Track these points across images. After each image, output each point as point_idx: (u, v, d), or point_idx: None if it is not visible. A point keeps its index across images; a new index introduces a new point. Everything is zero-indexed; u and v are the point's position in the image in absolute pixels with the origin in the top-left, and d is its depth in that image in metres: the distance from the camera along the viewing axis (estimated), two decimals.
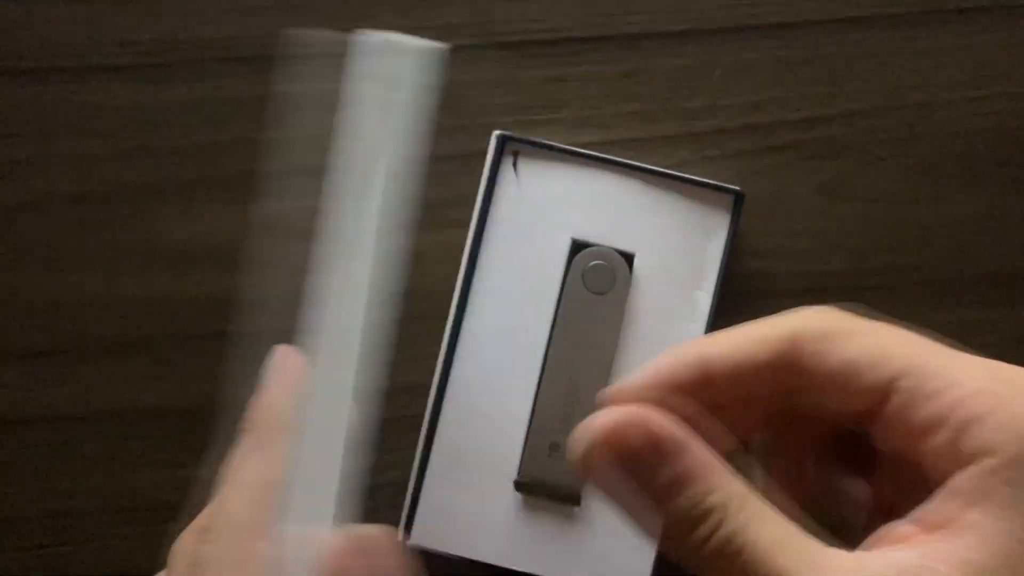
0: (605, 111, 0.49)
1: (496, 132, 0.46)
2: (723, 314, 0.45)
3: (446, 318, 0.48)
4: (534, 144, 0.46)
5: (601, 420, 0.27)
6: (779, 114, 0.49)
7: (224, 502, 0.29)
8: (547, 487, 0.44)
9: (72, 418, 0.48)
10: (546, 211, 0.45)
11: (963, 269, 0.49)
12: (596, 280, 0.44)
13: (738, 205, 0.45)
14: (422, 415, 0.47)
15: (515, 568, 0.44)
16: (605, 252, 0.44)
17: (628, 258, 0.45)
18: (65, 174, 0.48)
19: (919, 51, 0.50)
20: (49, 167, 0.48)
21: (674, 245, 0.45)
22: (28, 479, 0.48)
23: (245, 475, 0.29)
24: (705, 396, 0.28)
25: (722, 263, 0.45)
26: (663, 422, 0.27)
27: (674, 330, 0.45)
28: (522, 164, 0.45)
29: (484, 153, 0.48)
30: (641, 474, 0.26)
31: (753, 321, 0.29)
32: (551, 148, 0.46)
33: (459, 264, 0.48)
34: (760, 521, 0.26)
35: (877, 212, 0.49)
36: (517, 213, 0.45)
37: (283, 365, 0.33)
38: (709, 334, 0.29)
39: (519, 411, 0.45)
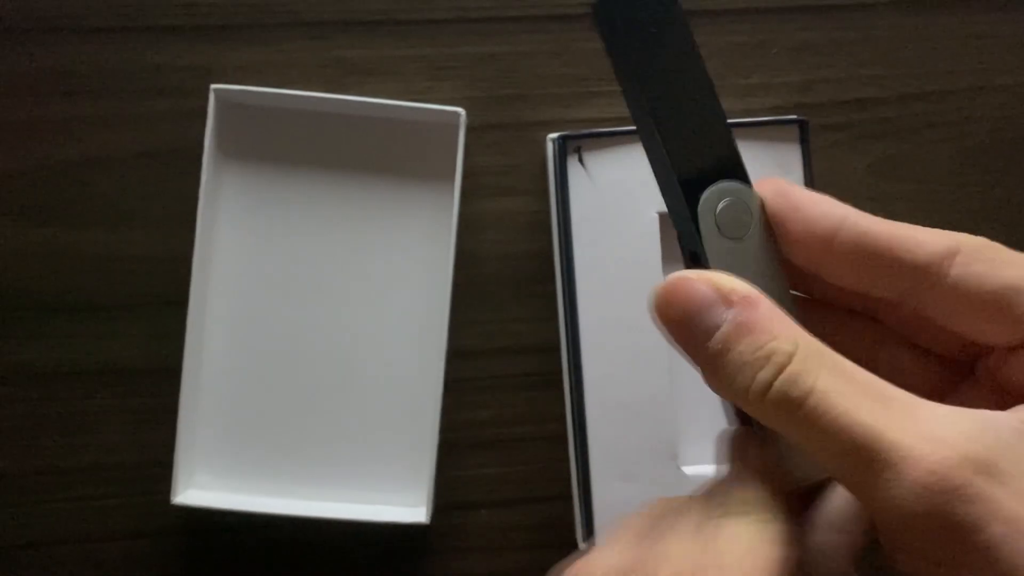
0: None
1: (551, 136, 0.46)
2: None
3: (503, 284, 0.49)
4: (593, 135, 0.46)
5: (670, 277, 0.26)
6: (833, 94, 0.50)
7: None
8: None
9: (129, 372, 0.49)
10: (623, 194, 0.46)
11: None
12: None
13: (805, 132, 0.46)
14: (478, 378, 0.48)
15: None
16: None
17: None
18: (128, 131, 0.49)
19: (973, 35, 0.50)
20: (113, 124, 0.49)
21: None
22: (80, 433, 0.48)
23: (746, 556, 0.25)
24: (822, 256, 0.27)
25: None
26: (729, 278, 0.26)
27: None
28: (587, 157, 0.46)
29: (542, 123, 0.49)
30: (705, 323, 0.25)
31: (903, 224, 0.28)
32: (611, 134, 0.46)
33: (518, 231, 0.49)
34: (835, 370, 0.24)
35: (926, 194, 0.50)
36: (596, 206, 0.45)
37: (744, 449, 0.29)
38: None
39: (660, 391, 0.45)
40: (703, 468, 0.45)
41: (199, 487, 0.48)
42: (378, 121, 0.48)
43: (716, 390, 0.26)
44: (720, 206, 0.28)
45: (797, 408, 0.24)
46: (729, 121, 0.46)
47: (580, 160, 0.45)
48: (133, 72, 0.49)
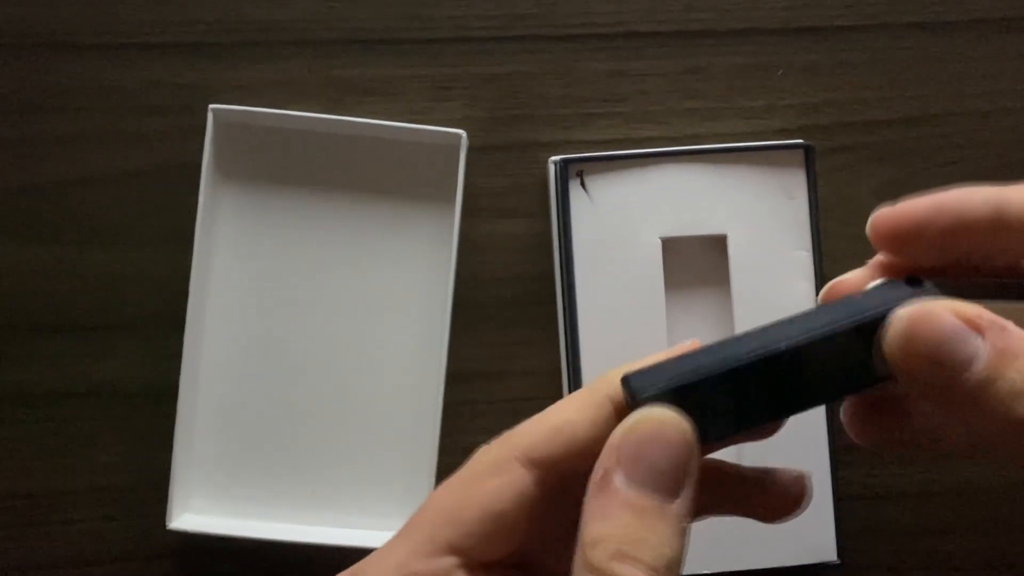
0: (665, 107, 0.49)
1: (552, 159, 0.46)
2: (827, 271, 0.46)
3: (503, 306, 0.48)
4: (595, 159, 0.45)
5: (912, 310, 0.24)
6: (838, 116, 0.49)
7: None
8: None
9: (125, 393, 0.48)
10: (626, 218, 0.45)
11: None
12: None
13: (810, 158, 0.45)
14: (477, 401, 0.48)
15: (707, 571, 0.44)
16: None
17: (720, 240, 0.45)
18: (126, 150, 0.48)
19: (980, 58, 0.50)
20: (110, 143, 0.48)
21: (760, 214, 0.45)
22: (75, 454, 0.48)
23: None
24: (986, 244, 0.25)
25: (812, 217, 0.45)
26: (969, 304, 0.24)
27: (784, 294, 0.45)
28: (589, 180, 0.45)
29: (543, 144, 0.48)
30: (959, 354, 0.23)
31: None
32: (614, 158, 0.45)
33: (518, 253, 0.48)
34: None
35: None
36: (598, 229, 0.45)
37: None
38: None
39: None
40: None
41: (195, 511, 0.47)
42: (378, 142, 0.47)
43: (977, 422, 0.24)
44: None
45: None
46: (733, 145, 0.46)
47: (582, 183, 0.45)
48: (131, 90, 0.48)
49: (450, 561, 0.25)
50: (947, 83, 0.50)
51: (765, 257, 0.45)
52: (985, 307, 0.24)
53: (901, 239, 0.26)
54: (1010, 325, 0.24)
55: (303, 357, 0.48)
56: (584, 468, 0.25)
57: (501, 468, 0.26)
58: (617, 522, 0.23)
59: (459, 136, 0.46)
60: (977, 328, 0.24)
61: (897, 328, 0.24)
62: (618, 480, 0.23)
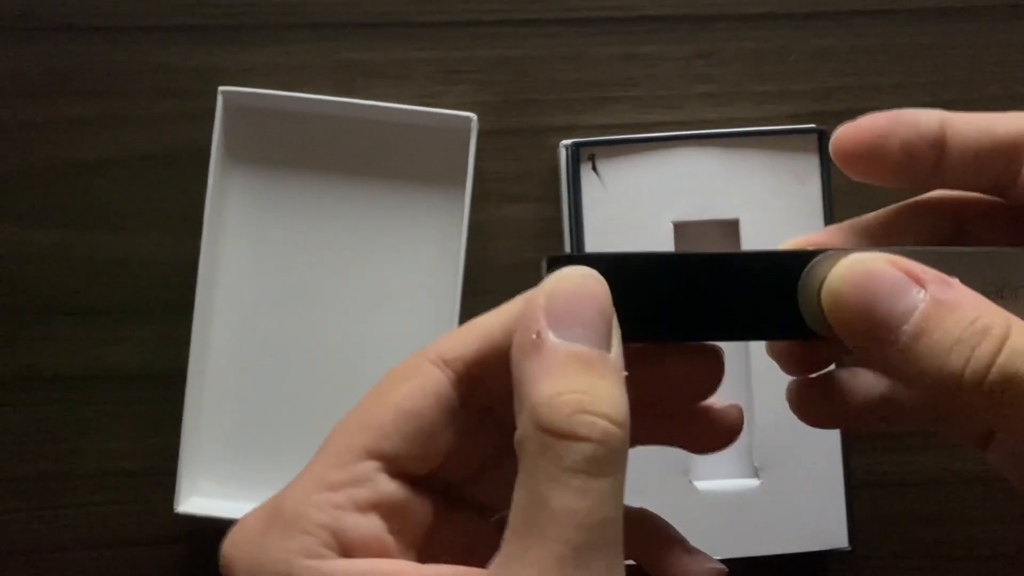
0: (676, 91, 0.49)
1: (564, 143, 0.46)
2: None
3: (512, 292, 0.48)
4: (607, 143, 0.45)
5: (851, 260, 0.23)
6: (851, 102, 0.49)
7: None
8: None
9: (134, 377, 0.48)
10: (638, 203, 0.45)
11: None
12: None
13: (823, 142, 0.45)
14: None
15: (717, 557, 0.44)
16: None
17: (732, 225, 0.45)
18: (135, 133, 0.48)
19: (993, 44, 0.49)
20: (119, 126, 0.48)
21: (772, 199, 0.45)
22: (82, 437, 0.48)
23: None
24: (936, 163, 0.26)
25: (825, 202, 0.45)
26: (910, 260, 0.23)
27: None
28: (601, 165, 0.45)
29: (554, 129, 0.48)
30: (898, 307, 0.22)
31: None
32: (625, 141, 0.45)
33: (528, 239, 0.48)
34: None
35: None
36: (609, 214, 0.45)
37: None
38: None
39: None
40: (716, 483, 0.44)
41: (203, 495, 0.47)
42: (388, 125, 0.47)
43: (912, 380, 0.23)
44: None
45: None
46: (746, 129, 0.46)
47: (593, 168, 0.45)
48: (140, 73, 0.48)
49: (370, 465, 0.24)
50: (960, 69, 0.49)
51: (777, 242, 0.44)
52: (938, 252, 0.24)
53: (864, 154, 0.27)
54: (955, 282, 0.23)
55: (311, 341, 0.48)
56: (501, 373, 0.23)
57: (413, 371, 0.25)
58: (566, 377, 0.22)
59: (470, 119, 0.45)
60: (919, 281, 0.23)
61: (834, 279, 0.24)
62: (553, 337, 0.22)
